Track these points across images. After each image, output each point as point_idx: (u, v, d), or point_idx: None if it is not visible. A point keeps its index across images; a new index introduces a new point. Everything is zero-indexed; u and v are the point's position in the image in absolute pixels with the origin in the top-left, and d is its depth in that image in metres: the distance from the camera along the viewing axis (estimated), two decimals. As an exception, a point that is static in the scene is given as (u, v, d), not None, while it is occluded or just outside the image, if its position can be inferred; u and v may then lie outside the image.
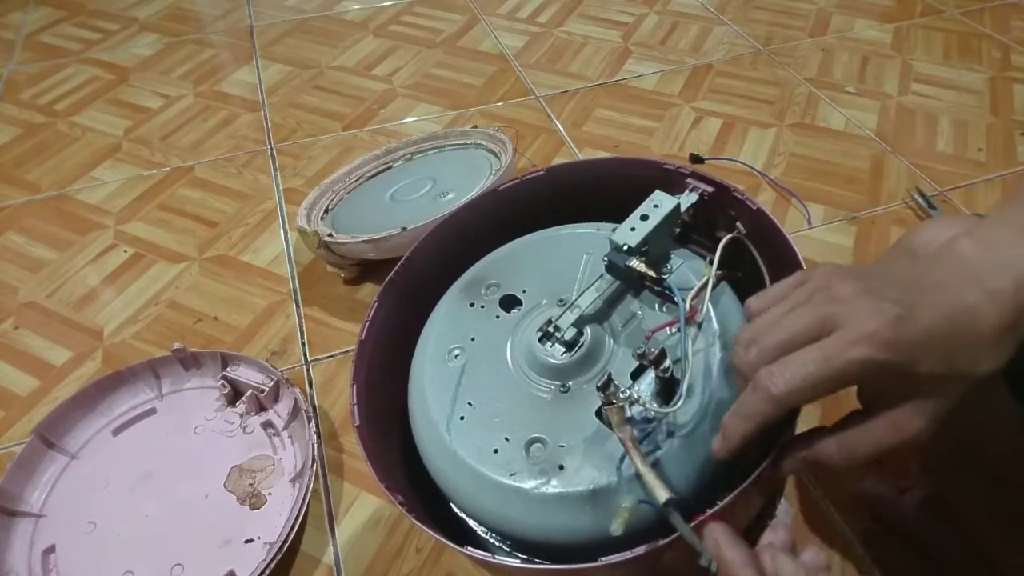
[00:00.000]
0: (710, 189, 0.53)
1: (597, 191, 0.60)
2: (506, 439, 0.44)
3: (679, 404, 0.39)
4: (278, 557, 0.62)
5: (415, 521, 0.42)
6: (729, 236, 0.49)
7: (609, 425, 0.40)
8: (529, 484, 0.41)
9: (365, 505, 0.71)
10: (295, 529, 0.64)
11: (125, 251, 1.00)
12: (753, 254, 0.51)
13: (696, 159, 1.09)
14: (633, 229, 0.47)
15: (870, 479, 0.66)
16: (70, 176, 1.13)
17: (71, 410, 0.75)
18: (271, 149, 1.17)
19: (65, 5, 1.63)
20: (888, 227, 0.97)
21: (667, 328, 0.45)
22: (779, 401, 0.31)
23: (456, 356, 0.49)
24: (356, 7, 1.58)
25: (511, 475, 0.42)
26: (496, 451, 0.43)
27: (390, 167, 1.05)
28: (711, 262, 0.46)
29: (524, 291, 0.51)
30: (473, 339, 0.49)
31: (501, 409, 0.45)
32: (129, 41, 1.49)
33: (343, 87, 1.32)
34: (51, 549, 0.67)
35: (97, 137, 1.22)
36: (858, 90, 1.25)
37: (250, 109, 1.27)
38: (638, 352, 0.41)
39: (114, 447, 0.75)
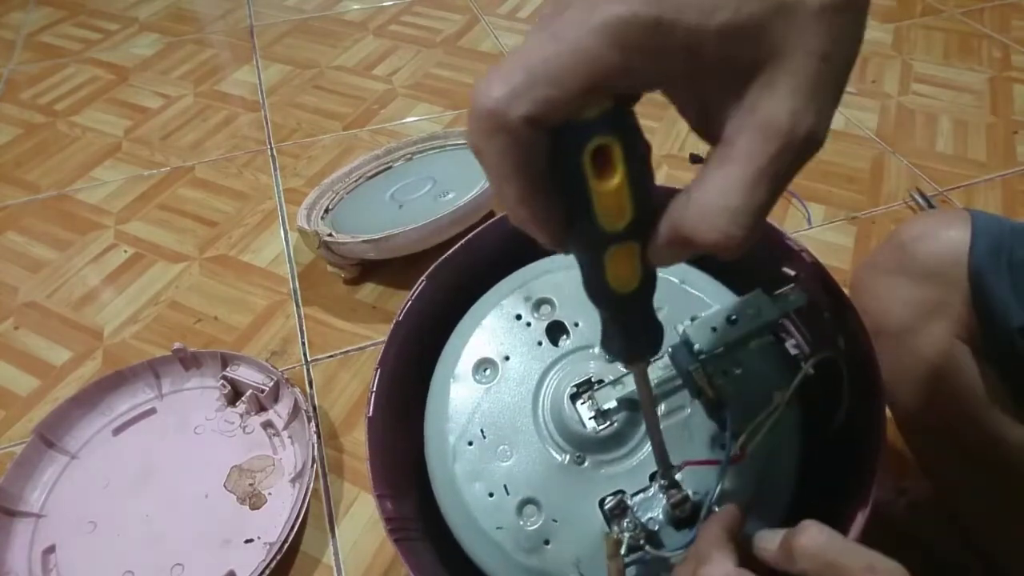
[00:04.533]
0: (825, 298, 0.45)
1: None
2: (504, 488, 0.42)
3: (680, 551, 0.37)
4: (278, 557, 0.62)
5: (392, 541, 0.41)
6: (820, 356, 0.41)
7: (608, 524, 0.39)
8: (510, 545, 0.41)
9: (365, 505, 0.71)
10: (295, 529, 0.64)
11: (125, 251, 1.00)
12: (844, 383, 0.43)
13: (696, 159, 1.09)
14: (714, 330, 0.40)
15: None
16: (70, 176, 1.13)
17: (71, 410, 0.75)
18: (271, 149, 1.17)
19: (65, 5, 1.63)
20: (888, 227, 0.97)
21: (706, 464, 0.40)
22: None
23: (486, 372, 0.46)
24: (356, 7, 1.58)
25: (497, 528, 0.41)
26: (491, 495, 0.42)
27: (390, 167, 1.05)
28: (783, 389, 0.40)
29: (576, 324, 0.46)
30: (507, 358, 0.46)
31: (510, 453, 0.43)
32: (129, 41, 1.49)
33: (343, 87, 1.32)
34: (51, 549, 0.67)
35: (97, 137, 1.22)
36: (858, 90, 1.24)
37: (250, 109, 1.27)
38: (663, 482, 0.38)
39: (114, 447, 0.75)
